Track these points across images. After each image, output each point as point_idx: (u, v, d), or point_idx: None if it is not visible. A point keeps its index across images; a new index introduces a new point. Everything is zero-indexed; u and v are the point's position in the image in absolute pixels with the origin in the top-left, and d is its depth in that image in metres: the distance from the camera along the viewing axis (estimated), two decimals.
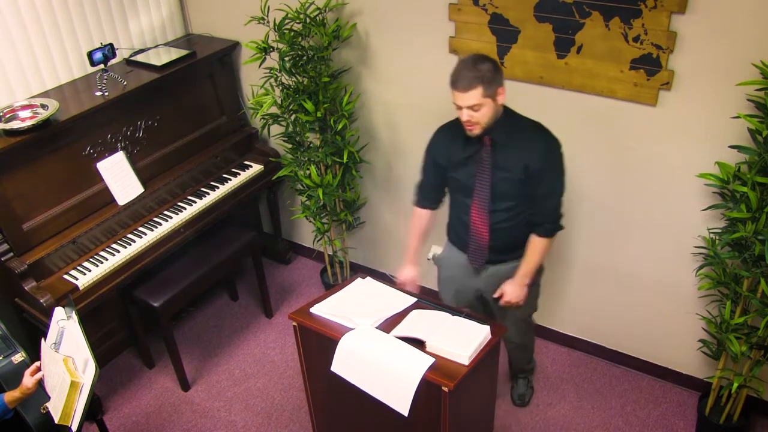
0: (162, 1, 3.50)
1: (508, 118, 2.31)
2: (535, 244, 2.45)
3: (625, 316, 3.10)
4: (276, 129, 3.29)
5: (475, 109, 2.19)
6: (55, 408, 2.11)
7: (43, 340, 2.27)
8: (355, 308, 2.33)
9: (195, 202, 3.33)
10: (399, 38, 3.01)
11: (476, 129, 2.26)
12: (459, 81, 2.18)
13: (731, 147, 2.36)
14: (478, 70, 2.15)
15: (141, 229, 3.14)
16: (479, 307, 2.73)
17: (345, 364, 2.20)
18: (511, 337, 2.83)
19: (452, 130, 2.41)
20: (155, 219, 3.20)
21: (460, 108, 2.23)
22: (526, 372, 3.10)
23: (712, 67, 2.38)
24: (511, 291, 2.49)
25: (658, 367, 3.14)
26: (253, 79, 3.44)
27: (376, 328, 2.24)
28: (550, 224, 2.43)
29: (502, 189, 2.36)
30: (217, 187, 3.44)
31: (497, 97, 2.22)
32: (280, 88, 3.07)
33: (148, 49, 3.46)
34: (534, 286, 2.62)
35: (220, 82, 3.54)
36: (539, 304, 2.77)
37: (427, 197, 2.60)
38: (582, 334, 3.31)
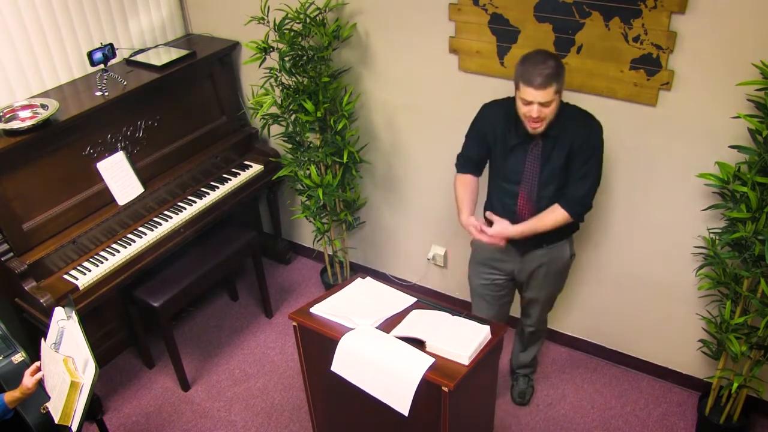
0: (162, 1, 3.49)
1: (560, 112, 2.30)
2: (555, 211, 2.39)
3: (625, 316, 3.09)
4: (276, 129, 3.29)
5: (546, 106, 2.19)
6: (55, 408, 2.11)
7: (43, 340, 2.27)
8: (355, 308, 2.33)
9: (195, 202, 3.33)
10: (399, 38, 3.01)
11: (541, 126, 2.25)
12: (534, 78, 2.15)
13: (731, 147, 2.36)
14: (550, 67, 2.15)
15: (141, 229, 3.14)
16: (510, 288, 2.73)
17: (345, 364, 2.20)
18: (532, 319, 2.83)
19: (506, 113, 2.37)
20: (155, 219, 3.20)
21: (529, 103, 2.20)
22: (527, 369, 3.11)
23: (712, 67, 2.38)
24: (500, 226, 2.41)
25: (658, 367, 3.14)
26: (253, 79, 3.44)
27: (376, 328, 2.24)
28: (577, 205, 2.39)
29: (548, 178, 2.38)
30: (217, 187, 3.43)
31: (562, 92, 2.23)
32: (280, 88, 3.07)
33: (148, 49, 3.46)
34: (564, 270, 2.66)
35: (220, 82, 3.54)
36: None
37: (470, 166, 2.56)
38: (582, 334, 3.31)
